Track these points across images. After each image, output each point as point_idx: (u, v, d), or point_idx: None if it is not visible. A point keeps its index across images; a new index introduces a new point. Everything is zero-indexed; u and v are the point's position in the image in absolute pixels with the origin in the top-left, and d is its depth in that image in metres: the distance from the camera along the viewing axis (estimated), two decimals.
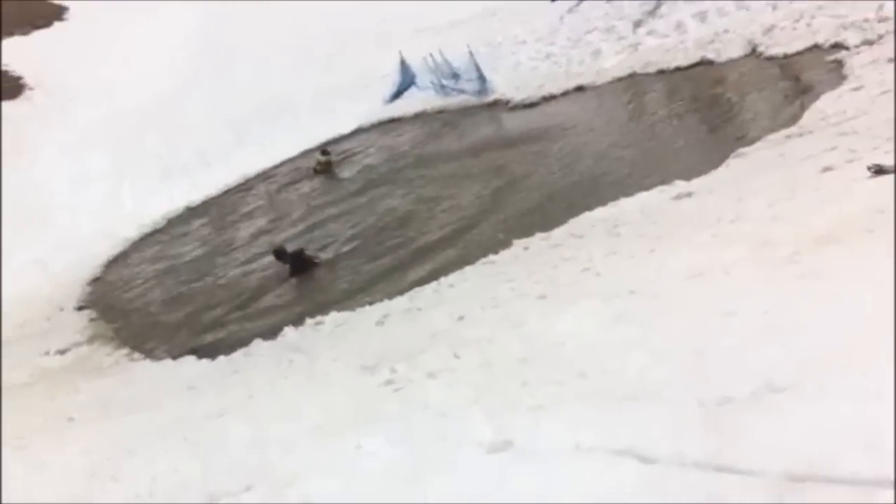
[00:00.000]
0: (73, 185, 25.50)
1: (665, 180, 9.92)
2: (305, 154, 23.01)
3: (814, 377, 3.97)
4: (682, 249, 7.04)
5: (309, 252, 14.03)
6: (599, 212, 9.78)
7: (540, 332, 6.36)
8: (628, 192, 10.20)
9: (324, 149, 21.89)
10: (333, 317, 10.37)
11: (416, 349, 7.26)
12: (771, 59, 13.54)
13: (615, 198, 10.06)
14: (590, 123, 15.13)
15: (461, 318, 7.87)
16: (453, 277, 9.85)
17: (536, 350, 5.98)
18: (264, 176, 23.44)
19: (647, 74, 16.22)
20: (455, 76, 22.64)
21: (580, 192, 11.69)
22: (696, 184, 9.31)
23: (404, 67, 25.51)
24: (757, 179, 8.36)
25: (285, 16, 36.17)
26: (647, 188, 10.01)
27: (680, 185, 9.47)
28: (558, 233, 9.64)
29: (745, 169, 9.20)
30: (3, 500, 6.62)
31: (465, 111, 21.12)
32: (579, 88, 17.80)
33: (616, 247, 8.09)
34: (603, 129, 14.41)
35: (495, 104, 20.14)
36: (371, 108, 25.15)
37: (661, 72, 15.93)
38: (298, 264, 13.71)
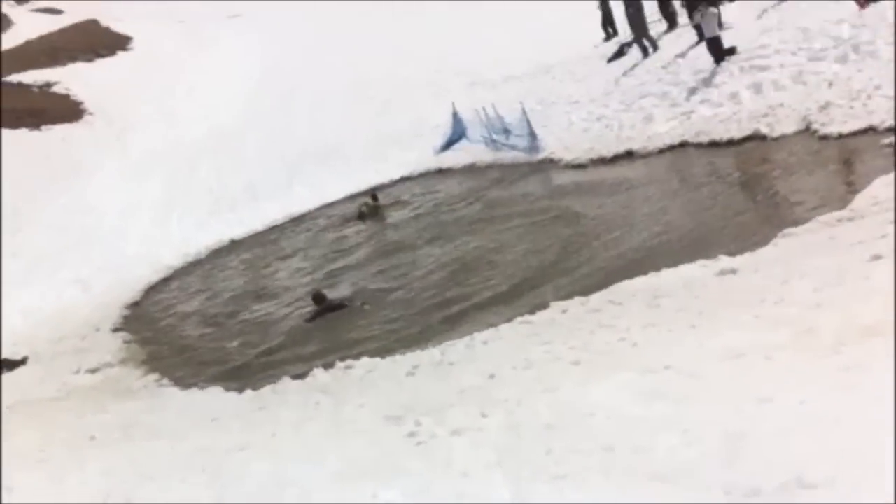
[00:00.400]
0: (124, 209, 25.95)
1: (710, 254, 9.78)
2: (353, 197, 23.14)
3: (848, 475, 3.83)
4: (722, 328, 6.91)
5: (347, 299, 14.06)
6: (640, 281, 9.65)
7: (570, 399, 6.26)
8: (671, 262, 10.08)
9: (373, 193, 22.02)
10: (364, 362, 10.30)
11: (444, 404, 7.18)
12: (825, 137, 13.37)
13: (657, 268, 9.93)
14: (637, 189, 15.05)
15: (492, 376, 7.78)
16: (487, 334, 9.76)
17: (565, 418, 5.88)
18: (311, 216, 23.62)
19: (699, 144, 16.12)
20: (506, 131, 22.75)
21: (622, 259, 11.59)
22: (742, 261, 9.16)
23: (457, 119, 25.71)
24: (804, 262, 8.20)
25: (344, 59, 36.75)
26: (690, 260, 9.87)
27: (724, 261, 9.33)
28: (597, 298, 9.53)
29: (792, 250, 9.05)
30: None
31: (514, 167, 21.15)
32: (629, 153, 17.75)
33: (655, 319, 7.97)
34: (650, 195, 14.32)
35: (544, 162, 20.15)
36: (421, 156, 25.33)
37: (713, 142, 15.81)
38: (337, 305, 13.78)
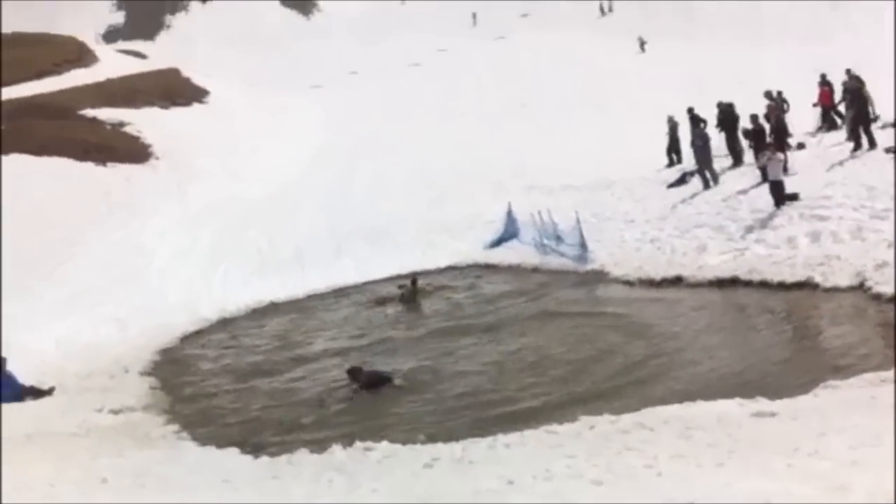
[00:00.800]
0: (172, 256, 26.32)
1: (748, 393, 9.67)
2: (396, 278, 23.25)
3: None
4: (752, 472, 6.78)
5: (388, 374, 13.99)
6: (674, 409, 9.55)
7: None
8: (708, 395, 9.98)
9: (413, 278, 22.12)
10: (384, 447, 10.22)
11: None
12: (877, 296, 13.26)
13: (693, 398, 9.84)
14: (682, 316, 14.96)
15: (510, 482, 7.67)
16: (511, 438, 9.66)
17: None
18: (352, 291, 23.78)
19: (749, 282, 16.05)
20: (558, 238, 22.87)
21: (659, 383, 11.48)
22: (780, 405, 9.04)
23: (510, 219, 25.92)
24: (843, 417, 8.07)
25: (408, 145, 37.40)
26: (727, 396, 9.77)
27: (762, 403, 9.22)
28: (628, 420, 9.42)
29: (832, 403, 8.91)
30: None
31: (560, 274, 21.18)
32: (678, 279, 17.73)
33: (685, 450, 7.84)
34: (694, 325, 14.23)
35: (591, 274, 20.17)
36: (470, 249, 25.50)
37: (764, 282, 15.75)
38: (373, 381, 13.74)
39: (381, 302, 21.41)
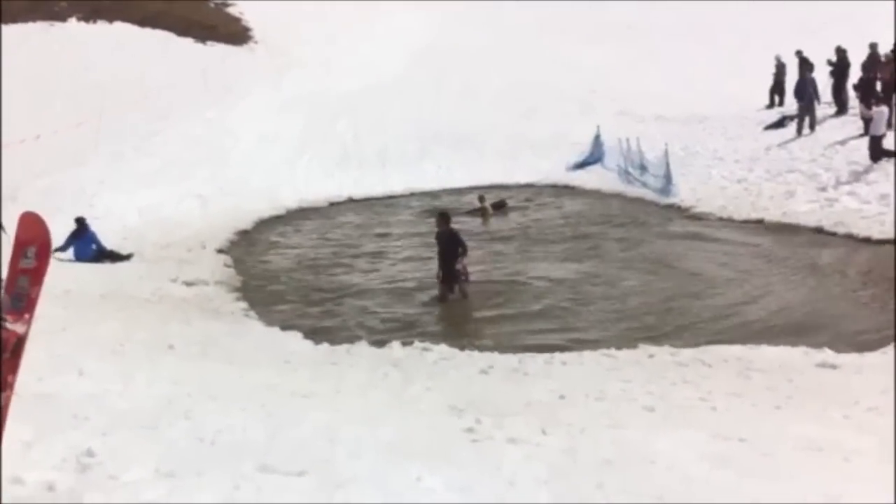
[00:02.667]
0: (260, 140, 26.62)
1: (815, 342, 9.49)
2: (475, 189, 23.20)
3: None
4: (808, 418, 6.68)
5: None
6: (737, 349, 9.42)
7: (635, 441, 6.14)
8: (773, 340, 9.82)
9: (481, 195, 21.86)
10: (441, 349, 10.32)
11: (508, 411, 7.13)
12: None
13: (758, 342, 9.69)
14: (761, 258, 14.67)
15: (562, 397, 7.70)
16: (569, 356, 9.67)
17: (625, 457, 5.77)
18: (427, 195, 23.87)
19: (834, 234, 15.62)
20: (643, 167, 22.49)
21: (726, 322, 11.32)
22: (846, 359, 8.85)
23: (597, 143, 25.56)
24: None
25: (503, 57, 36.81)
26: (793, 344, 9.60)
27: (828, 354, 9.03)
28: (688, 353, 9.34)
29: None
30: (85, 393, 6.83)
31: (640, 203, 20.93)
32: (760, 222, 17.35)
33: (742, 389, 7.76)
34: (770, 269, 13.93)
35: (672, 207, 19.85)
36: (552, 168, 25.31)
37: (849, 236, 15.31)
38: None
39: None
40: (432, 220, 20.35)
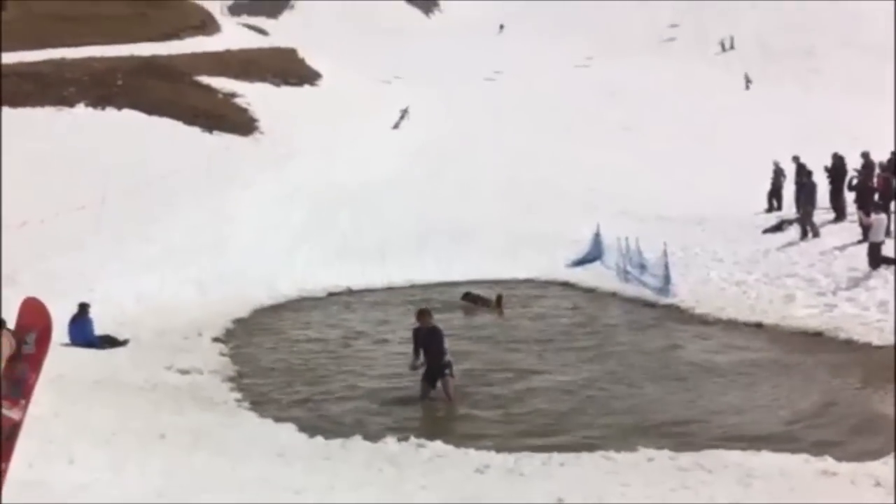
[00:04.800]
0: (260, 230, 26.75)
1: (816, 451, 9.37)
2: (474, 283, 23.24)
3: None
4: None
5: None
6: (737, 455, 9.29)
7: None
8: (774, 446, 9.71)
9: (468, 293, 21.87)
10: (436, 446, 10.20)
11: None
12: None
13: (758, 447, 9.57)
14: (760, 364, 14.58)
15: (560, 500, 7.57)
16: (567, 457, 9.53)
17: None
18: (426, 288, 23.91)
19: (834, 339, 15.60)
20: (642, 267, 22.60)
21: (726, 426, 11.20)
22: (848, 468, 8.72)
23: (597, 241, 25.74)
24: None
25: (505, 154, 37.35)
26: (794, 451, 9.48)
27: (829, 463, 8.90)
28: (687, 458, 9.20)
29: None
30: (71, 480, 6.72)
31: (637, 303, 20.96)
32: (759, 325, 17.34)
33: (742, 497, 7.64)
34: (770, 375, 13.84)
35: (670, 308, 19.86)
36: (550, 265, 25.45)
37: (849, 341, 15.29)
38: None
39: (454, 307, 21.38)
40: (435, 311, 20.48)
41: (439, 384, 13.00)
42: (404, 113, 40.93)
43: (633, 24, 72.45)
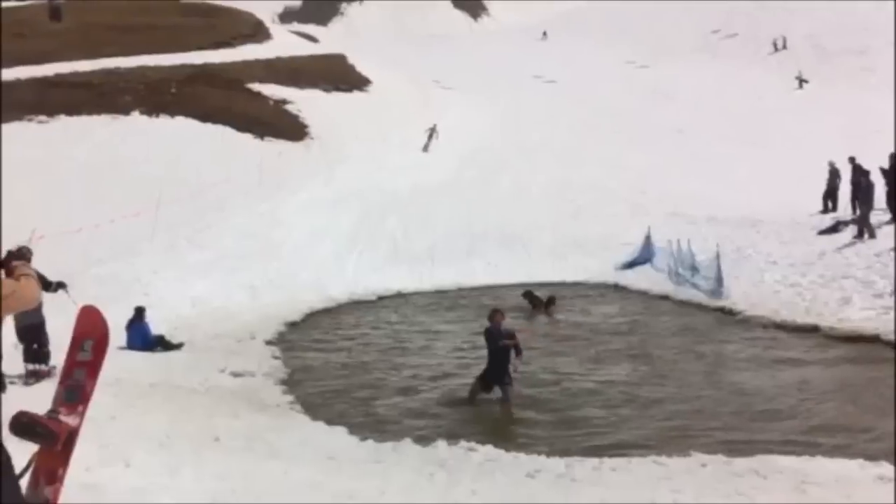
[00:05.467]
0: (311, 234, 26.97)
1: (871, 457, 9.20)
2: (523, 286, 23.17)
3: None
4: None
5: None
6: (792, 460, 9.16)
7: None
8: (830, 451, 9.55)
9: (528, 290, 21.81)
10: (487, 450, 10.18)
11: None
12: None
13: (813, 453, 9.43)
14: (815, 367, 14.35)
15: None
16: (618, 462, 9.47)
17: None
18: (475, 291, 23.92)
19: (891, 342, 15.27)
20: (693, 269, 22.36)
21: (780, 431, 11.04)
22: None
23: (648, 243, 25.53)
24: None
25: (555, 156, 37.24)
26: (850, 456, 9.32)
27: (885, 467, 8.74)
28: (742, 463, 9.08)
29: None
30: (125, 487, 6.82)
31: (689, 306, 20.75)
32: (814, 329, 17.05)
33: None
34: (824, 379, 13.62)
35: (722, 310, 19.64)
36: (601, 268, 25.29)
37: None
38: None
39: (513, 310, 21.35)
40: (480, 317, 20.44)
41: (496, 389, 12.98)
42: (432, 132, 38.34)
43: (684, 26, 71.81)
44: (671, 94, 51.11)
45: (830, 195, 27.24)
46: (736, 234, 25.41)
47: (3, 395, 9.93)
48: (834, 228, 24.02)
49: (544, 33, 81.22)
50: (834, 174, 27.25)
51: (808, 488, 8.15)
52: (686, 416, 12.06)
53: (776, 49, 64.34)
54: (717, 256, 21.02)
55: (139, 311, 16.97)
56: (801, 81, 53.97)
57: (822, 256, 21.70)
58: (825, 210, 27.00)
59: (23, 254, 6.54)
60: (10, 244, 14.46)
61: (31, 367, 13.12)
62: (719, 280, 20.77)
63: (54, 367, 12.23)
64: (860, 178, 24.12)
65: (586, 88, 53.56)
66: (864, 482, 8.45)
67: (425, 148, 35.47)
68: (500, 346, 12.87)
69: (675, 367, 15.08)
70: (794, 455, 9.46)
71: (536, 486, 8.59)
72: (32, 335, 13.29)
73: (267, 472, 8.47)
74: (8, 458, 3.45)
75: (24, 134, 32.00)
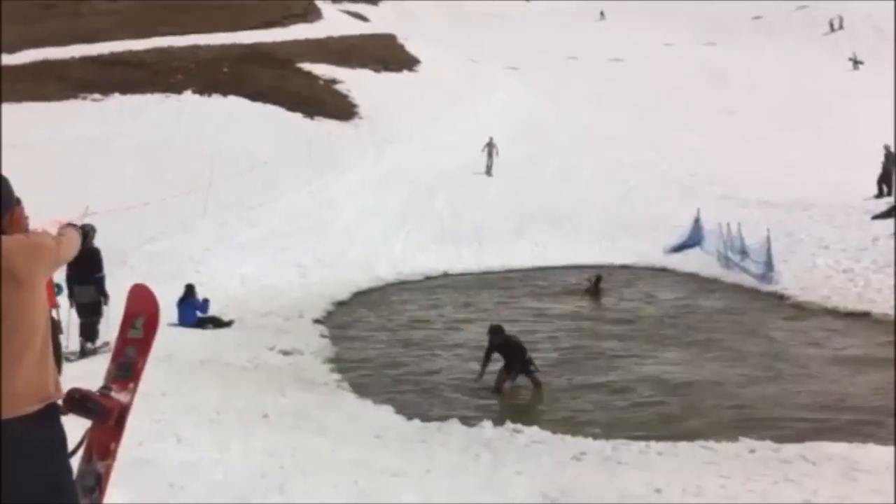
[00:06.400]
0: (359, 214, 27.09)
1: None
2: (571, 268, 23.10)
3: None
4: None
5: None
6: (843, 447, 9.06)
7: None
8: (880, 439, 9.43)
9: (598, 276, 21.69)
10: (533, 431, 10.21)
11: (602, 502, 6.99)
12: None
13: (865, 440, 9.31)
14: (867, 354, 14.15)
15: (658, 490, 7.50)
16: (665, 446, 9.44)
17: None
18: (523, 273, 23.88)
19: None
20: (743, 253, 22.09)
21: (830, 418, 10.93)
22: None
23: (697, 226, 25.24)
24: None
25: (604, 136, 36.91)
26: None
27: None
28: (791, 450, 9.01)
29: None
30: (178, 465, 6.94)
31: (738, 290, 20.53)
32: (866, 315, 16.80)
33: (847, 492, 7.44)
34: (876, 366, 13.42)
35: (773, 295, 19.41)
36: (650, 250, 25.07)
37: None
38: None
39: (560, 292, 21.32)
40: (529, 299, 20.46)
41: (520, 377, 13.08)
42: (490, 149, 33.38)
43: (738, 7, 70.56)
44: (725, 75, 50.26)
45: (885, 179, 26.70)
46: (788, 217, 25.02)
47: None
48: (888, 213, 23.53)
49: (601, 13, 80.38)
50: (889, 158, 26.70)
51: (858, 475, 8.06)
52: (734, 401, 11.97)
53: (832, 29, 62.95)
54: (768, 240, 20.74)
55: (189, 289, 17.18)
56: (856, 63, 52.75)
57: (876, 242, 21.30)
58: (879, 194, 26.48)
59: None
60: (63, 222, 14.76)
61: (87, 344, 13.41)
62: (769, 264, 20.50)
63: (107, 344, 12.46)
64: None
65: (640, 69, 52.90)
66: None
67: (488, 171, 32.84)
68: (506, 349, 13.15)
69: (723, 350, 14.96)
70: (844, 442, 9.36)
71: (582, 468, 8.60)
72: (88, 313, 13.57)
73: (314, 448, 8.57)
74: (63, 437, 3.53)
75: (80, 112, 32.49)
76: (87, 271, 13.38)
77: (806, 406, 11.64)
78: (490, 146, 33.34)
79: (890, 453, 8.92)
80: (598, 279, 21.18)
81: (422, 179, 30.91)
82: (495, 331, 13.53)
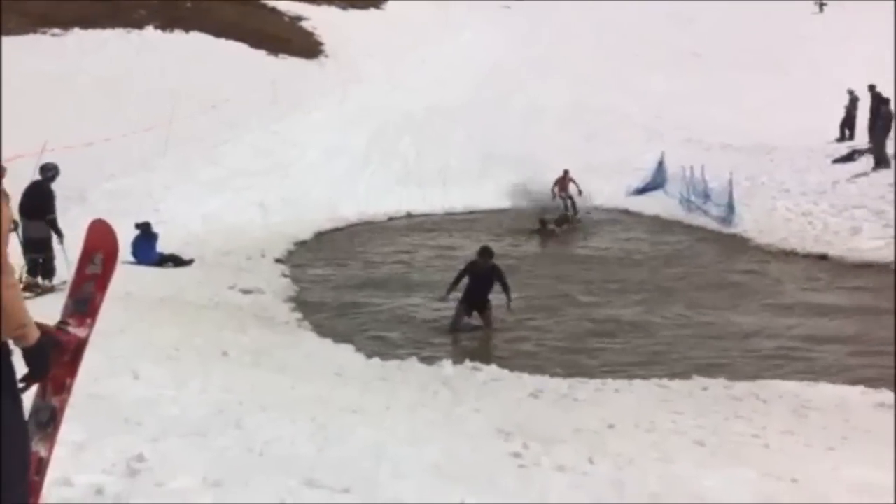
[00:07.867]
0: (323, 153, 26.86)
1: (875, 384, 9.27)
2: (535, 210, 23.14)
3: None
4: (863, 461, 6.51)
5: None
6: (793, 385, 9.26)
7: (683, 476, 6.05)
8: (831, 377, 9.64)
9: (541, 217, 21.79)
10: (492, 369, 10.31)
11: (557, 437, 7.08)
12: None
13: (816, 379, 9.52)
14: (823, 296, 14.39)
15: (611, 426, 7.62)
16: (620, 384, 9.59)
17: (672, 492, 5.68)
18: (487, 214, 23.91)
19: None
20: (706, 196, 22.28)
21: (783, 356, 11.14)
22: None
23: (660, 169, 25.40)
24: None
25: (571, 79, 36.76)
26: (851, 382, 9.40)
27: (886, 394, 8.82)
28: (743, 387, 9.19)
29: None
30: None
31: (699, 231, 20.75)
32: (823, 257, 17.05)
33: (796, 428, 7.61)
34: (832, 307, 13.66)
35: (733, 238, 19.62)
36: (613, 193, 25.23)
37: None
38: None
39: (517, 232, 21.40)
40: (492, 239, 20.48)
41: (475, 314, 13.16)
42: None
43: None
44: (692, 18, 50.05)
45: (848, 123, 26.94)
46: (750, 161, 25.22)
47: None
48: (849, 157, 23.78)
49: None
50: (853, 102, 26.90)
51: (807, 412, 8.25)
52: (690, 340, 12.16)
53: None
54: (730, 184, 20.93)
55: (145, 226, 16.86)
56: (822, 5, 52.82)
57: (836, 185, 21.55)
58: (842, 138, 26.73)
59: None
60: (21, 157, 14.50)
61: (33, 280, 13.18)
62: (731, 207, 20.71)
63: (65, 282, 12.31)
64: (879, 106, 23.80)
65: (606, 10, 52.50)
66: (864, 408, 8.53)
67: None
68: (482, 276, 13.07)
69: (682, 291, 15.16)
70: (795, 381, 9.56)
71: (539, 405, 8.70)
72: (36, 249, 13.34)
73: (273, 385, 8.58)
74: (11, 374, 3.47)
75: (38, 46, 31.69)
76: (39, 209, 13.17)
77: (761, 343, 11.85)
78: None
79: (839, 391, 9.14)
80: (563, 218, 21.29)
81: (387, 120, 30.64)
82: (485, 252, 13.48)
